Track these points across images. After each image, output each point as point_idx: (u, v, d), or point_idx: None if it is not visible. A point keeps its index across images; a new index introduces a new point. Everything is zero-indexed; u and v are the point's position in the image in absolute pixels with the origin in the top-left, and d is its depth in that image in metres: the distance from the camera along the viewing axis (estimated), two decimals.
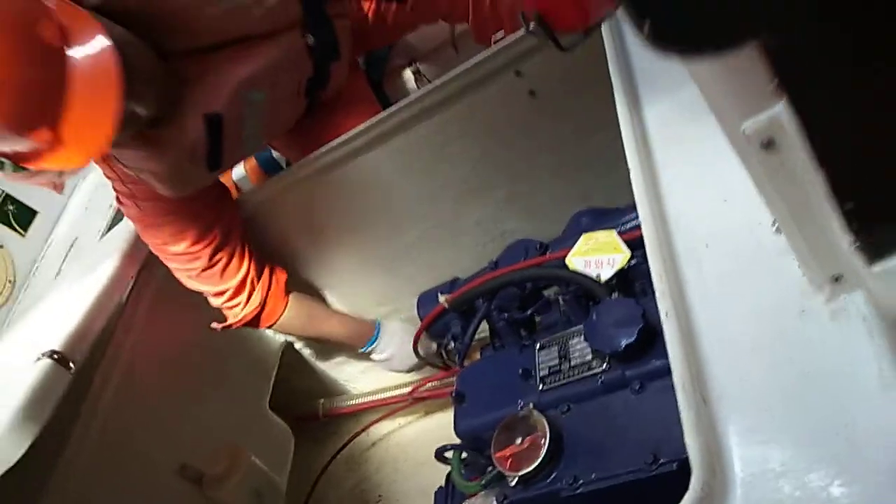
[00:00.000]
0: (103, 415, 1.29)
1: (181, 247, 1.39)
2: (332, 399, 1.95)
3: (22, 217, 1.99)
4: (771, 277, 0.68)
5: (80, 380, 1.13)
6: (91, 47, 1.02)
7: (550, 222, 1.31)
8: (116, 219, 1.71)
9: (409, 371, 1.68)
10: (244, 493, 1.46)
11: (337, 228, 1.60)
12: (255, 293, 1.50)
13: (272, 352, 1.77)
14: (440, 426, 1.17)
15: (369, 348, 1.67)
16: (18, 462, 1.01)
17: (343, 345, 1.75)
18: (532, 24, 0.74)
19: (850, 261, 0.40)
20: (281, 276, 1.57)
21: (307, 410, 1.93)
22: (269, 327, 1.60)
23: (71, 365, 1.05)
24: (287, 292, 1.58)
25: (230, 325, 1.53)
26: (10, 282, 1.91)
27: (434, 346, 1.40)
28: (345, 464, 1.91)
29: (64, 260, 1.78)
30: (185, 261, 1.42)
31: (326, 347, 1.85)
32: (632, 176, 0.82)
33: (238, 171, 1.89)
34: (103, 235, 1.67)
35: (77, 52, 1.02)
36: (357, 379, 1.92)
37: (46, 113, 1.01)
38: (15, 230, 1.97)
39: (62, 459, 1.22)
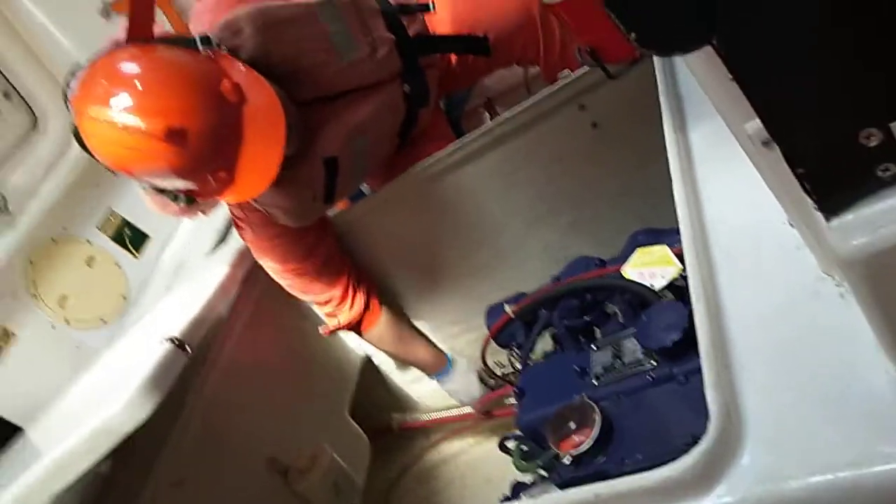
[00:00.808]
0: (206, 403, 1.47)
1: (292, 265, 1.59)
2: (405, 414, 2.07)
3: (136, 240, 2.21)
4: (790, 266, 0.78)
5: (191, 368, 1.29)
6: (262, 102, 1.23)
7: (612, 248, 1.41)
8: (220, 240, 1.92)
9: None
10: (325, 489, 1.59)
11: (414, 249, 1.75)
12: (357, 299, 1.69)
13: (354, 364, 1.93)
14: None
15: (439, 379, 1.85)
16: (136, 434, 1.17)
17: (416, 366, 1.91)
18: (585, 56, 0.88)
19: (821, 223, 0.51)
20: (374, 287, 1.75)
21: (382, 423, 2.05)
22: (365, 332, 1.76)
23: (188, 349, 1.23)
24: (381, 303, 1.75)
25: (336, 329, 1.72)
26: (123, 297, 2.14)
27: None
28: (415, 478, 2.02)
29: (172, 280, 1.98)
30: (296, 275, 1.61)
31: (402, 365, 1.98)
32: (674, 185, 0.93)
33: None
34: (210, 254, 1.87)
35: (250, 106, 1.22)
36: (430, 396, 2.03)
37: (226, 157, 1.22)
38: (130, 252, 2.20)
39: (170, 439, 1.39)
